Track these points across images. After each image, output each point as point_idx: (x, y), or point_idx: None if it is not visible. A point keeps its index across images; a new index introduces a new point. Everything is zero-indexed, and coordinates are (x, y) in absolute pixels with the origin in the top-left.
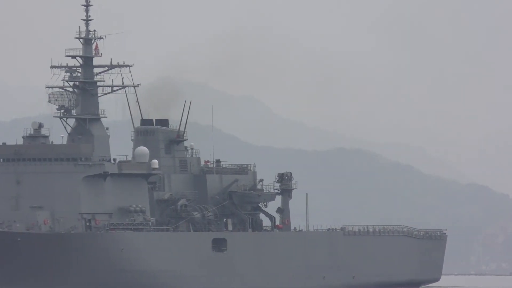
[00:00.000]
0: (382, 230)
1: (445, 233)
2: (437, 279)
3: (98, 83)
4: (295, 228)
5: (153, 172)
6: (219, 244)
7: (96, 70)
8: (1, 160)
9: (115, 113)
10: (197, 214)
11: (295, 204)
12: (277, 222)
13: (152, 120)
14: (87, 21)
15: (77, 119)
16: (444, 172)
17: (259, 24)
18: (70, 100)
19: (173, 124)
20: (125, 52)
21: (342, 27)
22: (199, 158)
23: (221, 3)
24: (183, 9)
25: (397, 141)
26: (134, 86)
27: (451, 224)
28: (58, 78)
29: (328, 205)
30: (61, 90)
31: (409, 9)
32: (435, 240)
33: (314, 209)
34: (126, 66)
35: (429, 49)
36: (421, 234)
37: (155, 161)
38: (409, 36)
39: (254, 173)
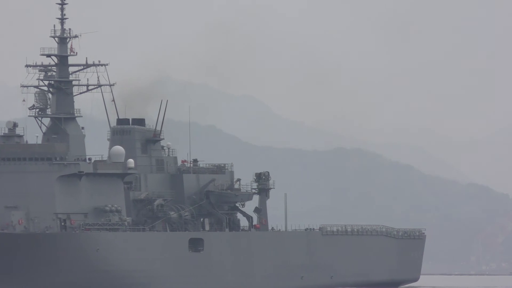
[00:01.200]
0: (360, 230)
1: (424, 233)
2: (415, 279)
3: (74, 82)
4: (272, 228)
5: (129, 171)
6: (196, 244)
7: (71, 69)
8: None
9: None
10: (173, 214)
11: (288, 205)
12: (255, 222)
13: (129, 119)
14: (62, 19)
15: (52, 119)
16: (444, 172)
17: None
18: (46, 99)
19: (149, 123)
20: (101, 51)
21: (341, 27)
22: (176, 157)
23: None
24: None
25: (397, 141)
26: (110, 85)
27: (451, 224)
28: (33, 77)
29: (327, 205)
30: (36, 89)
31: (408, 8)
32: (413, 240)
33: (314, 209)
34: (102, 65)
35: (429, 49)
36: (400, 234)
37: (131, 160)
38: (409, 36)
39: (232, 173)
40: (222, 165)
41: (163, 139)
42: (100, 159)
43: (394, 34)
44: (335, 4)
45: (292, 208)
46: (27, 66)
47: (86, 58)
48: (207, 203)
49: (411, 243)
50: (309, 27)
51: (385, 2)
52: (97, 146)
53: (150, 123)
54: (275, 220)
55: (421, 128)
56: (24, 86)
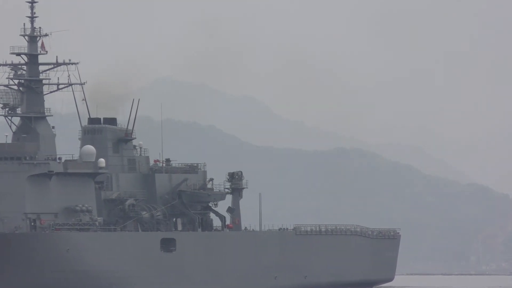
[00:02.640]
0: (334, 230)
1: (398, 233)
2: (390, 279)
3: (44, 81)
4: (245, 227)
5: (100, 171)
6: (167, 244)
7: (42, 67)
8: None
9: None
10: (145, 214)
11: (289, 205)
12: (228, 222)
13: (100, 118)
14: (32, 18)
15: (22, 118)
16: (444, 172)
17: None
18: (15, 98)
19: (121, 123)
20: (72, 49)
21: (342, 27)
22: (148, 157)
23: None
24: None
25: (397, 141)
26: (81, 84)
27: (451, 224)
28: (3, 76)
29: (326, 205)
30: (5, 88)
31: (408, 7)
32: (388, 240)
33: (314, 210)
34: (73, 63)
35: (429, 49)
36: (374, 233)
37: (101, 160)
38: (409, 36)
39: (204, 172)
40: (195, 164)
41: (135, 138)
42: (71, 158)
43: (394, 34)
44: (334, 4)
45: (291, 208)
46: None
47: (57, 56)
48: (179, 203)
49: (385, 243)
50: (308, 28)
51: (382, 1)
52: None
53: (122, 122)
54: (271, 220)
55: (421, 128)
56: None
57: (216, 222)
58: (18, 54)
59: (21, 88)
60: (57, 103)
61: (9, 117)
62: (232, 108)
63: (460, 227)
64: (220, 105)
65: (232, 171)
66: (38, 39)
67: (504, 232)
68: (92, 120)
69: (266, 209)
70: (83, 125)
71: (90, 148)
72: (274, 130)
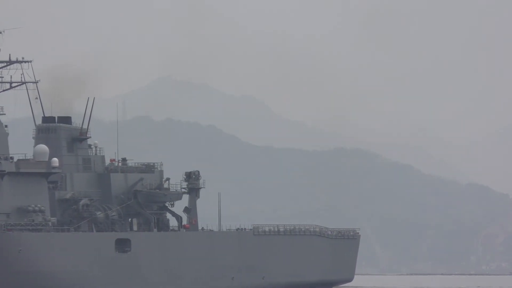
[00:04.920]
0: (293, 230)
1: (358, 233)
2: (349, 279)
3: None
4: (202, 228)
5: (53, 171)
6: (122, 245)
7: None
8: None
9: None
10: (100, 214)
11: (288, 205)
12: (184, 222)
13: (54, 117)
14: None
15: None
16: (444, 172)
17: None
18: None
19: (75, 122)
20: (26, 47)
21: (340, 26)
22: (103, 156)
23: None
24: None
25: (397, 141)
26: (35, 82)
27: (451, 224)
28: None
29: (326, 205)
30: None
31: (407, 6)
32: (347, 240)
33: (313, 210)
34: (26, 61)
35: (429, 49)
36: (334, 234)
37: (55, 159)
38: (409, 36)
39: (161, 172)
40: (151, 164)
41: (90, 137)
42: (24, 158)
43: (394, 34)
44: (334, 3)
45: (291, 208)
46: None
47: (10, 54)
48: (135, 203)
49: (345, 243)
50: (307, 28)
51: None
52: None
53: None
54: (272, 220)
55: (421, 128)
56: None
57: (173, 222)
58: None
59: None
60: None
61: None
62: (232, 108)
63: (460, 227)
64: (220, 105)
65: (189, 171)
66: None
67: (504, 232)
68: (46, 119)
69: (265, 209)
70: (37, 124)
71: (43, 147)
72: (274, 130)
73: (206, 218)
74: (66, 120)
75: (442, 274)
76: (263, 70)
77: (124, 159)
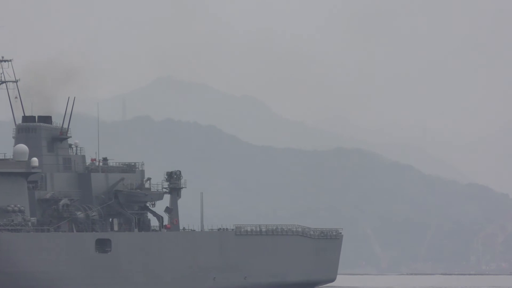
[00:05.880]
0: (275, 230)
1: (340, 233)
2: (332, 279)
3: None
4: (184, 228)
5: (33, 170)
6: (103, 245)
7: None
8: None
9: None
10: (80, 214)
11: (288, 205)
12: (166, 222)
13: (35, 117)
14: None
15: None
16: (444, 172)
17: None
18: None
19: (55, 121)
20: (6, 46)
21: (340, 26)
22: (84, 156)
23: None
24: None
25: (397, 141)
26: (15, 82)
27: (451, 224)
28: None
29: (326, 205)
30: None
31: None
32: (330, 240)
33: (313, 210)
34: (6, 61)
35: (430, 49)
36: (316, 234)
37: (34, 159)
38: (409, 36)
39: (142, 172)
40: (133, 164)
41: (70, 137)
42: (3, 157)
43: (393, 33)
44: (334, 4)
45: (292, 208)
46: None
47: None
48: (115, 203)
49: (327, 243)
50: (307, 28)
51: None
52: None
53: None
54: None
55: (421, 128)
56: None
57: (154, 222)
58: None
59: None
60: None
61: None
62: (232, 108)
63: (460, 227)
64: (220, 105)
65: (170, 171)
66: None
67: (504, 232)
68: (26, 118)
69: (265, 209)
70: (17, 123)
71: (22, 147)
72: (274, 130)
73: (207, 218)
74: (47, 119)
75: (442, 274)
76: (263, 70)
77: (105, 159)
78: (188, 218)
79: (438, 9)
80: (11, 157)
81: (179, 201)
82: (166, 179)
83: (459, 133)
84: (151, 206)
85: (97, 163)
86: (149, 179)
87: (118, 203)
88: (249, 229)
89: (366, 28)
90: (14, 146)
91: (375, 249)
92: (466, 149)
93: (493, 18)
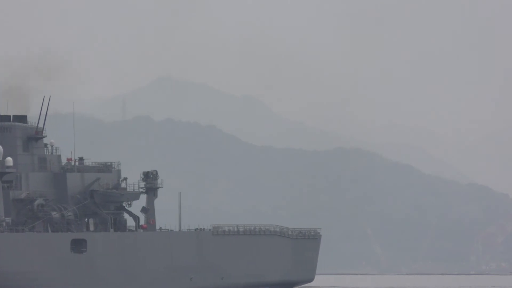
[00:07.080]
0: (253, 230)
1: (319, 233)
2: (310, 279)
3: None
4: (160, 228)
5: (7, 170)
6: (78, 245)
7: None
8: None
9: None
10: (55, 214)
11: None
12: (142, 222)
13: (10, 116)
14: None
15: None
16: (444, 172)
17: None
18: None
19: (31, 120)
20: None
21: (340, 26)
22: (59, 155)
23: None
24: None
25: (397, 141)
26: None
27: (451, 224)
28: None
29: (326, 205)
30: None
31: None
32: (309, 240)
33: (312, 210)
34: None
35: (429, 49)
36: (295, 234)
37: (9, 158)
38: (409, 36)
39: (119, 171)
40: (109, 163)
41: (46, 136)
42: None
43: (393, 33)
44: (334, 4)
45: (291, 208)
46: None
47: None
48: (91, 203)
49: (306, 243)
50: (307, 28)
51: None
52: None
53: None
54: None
55: (421, 128)
56: None
57: (130, 222)
58: None
59: None
60: None
61: None
62: (232, 108)
63: (460, 227)
64: (220, 105)
65: (146, 170)
66: None
67: (504, 232)
68: (1, 118)
69: (265, 209)
70: None
71: None
72: (274, 130)
73: (207, 218)
74: (22, 118)
75: (442, 274)
76: (263, 70)
77: (81, 159)
78: (166, 218)
79: (443, 7)
80: None
81: (156, 201)
82: (143, 179)
83: (459, 133)
84: (127, 206)
85: (72, 163)
86: (125, 178)
87: (94, 203)
88: (226, 229)
89: (366, 29)
90: None
91: (375, 249)
92: (466, 149)
93: (493, 18)
